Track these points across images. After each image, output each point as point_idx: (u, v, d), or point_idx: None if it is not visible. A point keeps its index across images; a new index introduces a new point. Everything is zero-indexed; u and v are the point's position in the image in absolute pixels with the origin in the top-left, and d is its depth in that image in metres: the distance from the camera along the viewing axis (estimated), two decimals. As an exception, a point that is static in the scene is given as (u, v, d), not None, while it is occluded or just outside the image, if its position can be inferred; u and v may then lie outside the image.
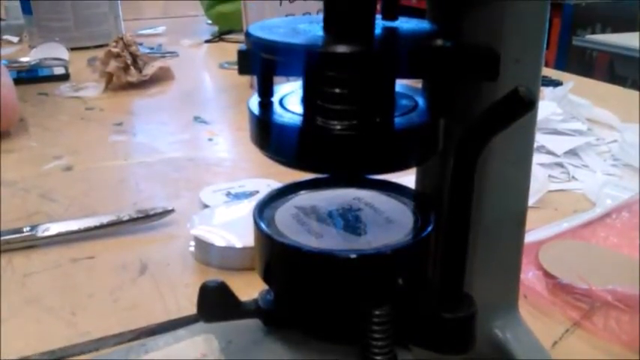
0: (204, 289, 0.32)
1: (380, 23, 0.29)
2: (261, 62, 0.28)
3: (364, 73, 0.27)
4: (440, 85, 0.29)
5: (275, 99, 0.30)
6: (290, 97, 0.30)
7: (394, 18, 0.30)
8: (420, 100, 0.30)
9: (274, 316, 0.33)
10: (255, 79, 0.30)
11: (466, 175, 0.28)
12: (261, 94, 0.29)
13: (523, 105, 0.25)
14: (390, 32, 0.29)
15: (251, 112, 0.29)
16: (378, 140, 0.27)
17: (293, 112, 0.28)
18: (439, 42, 0.27)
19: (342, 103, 0.27)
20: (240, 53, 0.29)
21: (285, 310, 0.33)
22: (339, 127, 0.27)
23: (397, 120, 0.28)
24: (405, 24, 0.30)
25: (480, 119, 0.27)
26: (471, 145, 0.27)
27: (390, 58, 0.26)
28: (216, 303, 0.32)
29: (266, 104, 0.29)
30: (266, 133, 0.29)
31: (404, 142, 0.28)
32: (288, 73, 0.29)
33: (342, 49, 0.25)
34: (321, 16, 0.29)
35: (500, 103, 0.26)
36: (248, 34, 0.28)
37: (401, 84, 0.31)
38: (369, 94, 0.28)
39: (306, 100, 0.29)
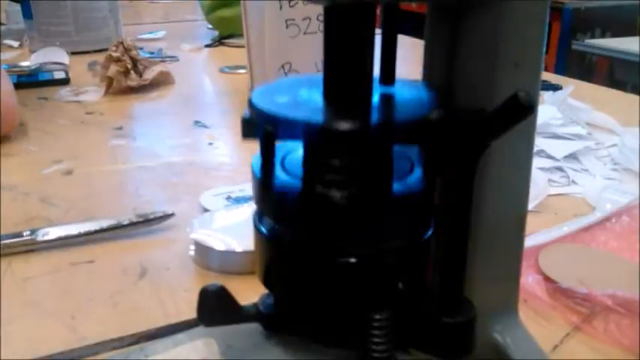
0: (204, 293, 0.32)
1: (377, 89, 0.31)
2: (264, 129, 0.29)
3: (362, 147, 0.28)
4: (435, 154, 0.30)
5: (278, 157, 0.31)
6: (292, 156, 0.31)
7: (392, 83, 0.32)
8: (415, 160, 0.31)
9: (274, 320, 0.33)
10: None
11: (466, 180, 0.28)
12: (263, 157, 0.30)
13: (523, 110, 0.25)
14: (387, 103, 0.30)
15: (254, 174, 0.30)
16: (375, 209, 0.28)
17: (294, 177, 0.29)
18: (435, 114, 0.28)
19: (340, 173, 0.28)
20: (244, 120, 0.30)
21: (286, 314, 0.33)
22: (338, 196, 0.28)
23: (395, 186, 0.29)
24: (402, 90, 0.31)
25: (479, 124, 0.27)
26: (471, 149, 0.27)
27: (387, 135, 0.28)
28: (216, 307, 0.32)
29: (268, 167, 0.30)
30: (267, 197, 0.30)
31: (400, 210, 0.29)
32: (289, 139, 0.30)
33: (339, 126, 0.26)
34: (321, 77, 0.30)
35: (500, 108, 0.26)
36: (251, 104, 0.29)
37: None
38: (366, 166, 0.29)
39: (306, 167, 0.30)
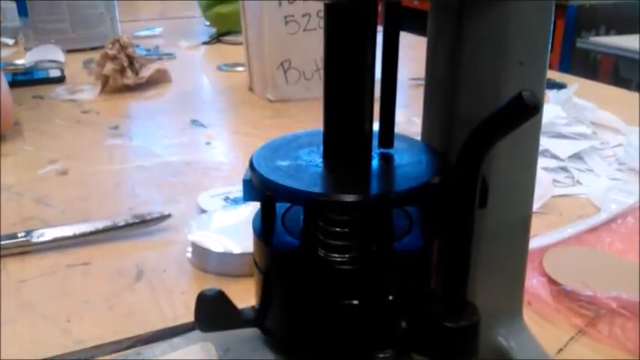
0: (201, 298, 0.31)
1: (376, 152, 0.31)
2: (264, 195, 0.29)
3: (361, 217, 0.29)
4: (433, 214, 0.30)
5: (279, 215, 0.31)
6: (292, 213, 0.32)
7: (390, 146, 0.32)
8: (414, 217, 0.31)
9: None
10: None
11: (470, 180, 0.27)
12: (263, 218, 0.31)
13: (527, 110, 0.25)
14: (386, 169, 0.31)
15: (255, 231, 0.31)
16: (377, 270, 0.29)
17: (294, 236, 0.30)
18: (434, 180, 0.29)
19: (341, 239, 0.29)
20: (245, 182, 0.30)
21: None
22: (338, 260, 0.28)
23: (395, 247, 0.29)
24: (401, 155, 0.32)
25: (484, 123, 0.26)
26: (475, 149, 0.27)
27: (387, 203, 0.29)
28: (213, 312, 0.32)
29: (268, 228, 0.31)
30: (268, 257, 0.30)
31: (402, 270, 0.29)
32: (289, 203, 0.31)
33: (340, 197, 0.27)
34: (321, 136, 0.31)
35: (505, 108, 0.25)
36: (252, 167, 0.30)
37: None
38: (366, 232, 0.29)
39: (306, 231, 0.30)
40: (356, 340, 0.29)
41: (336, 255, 0.28)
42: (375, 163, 0.31)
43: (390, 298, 0.29)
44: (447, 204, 0.28)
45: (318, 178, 0.29)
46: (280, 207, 0.32)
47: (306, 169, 0.30)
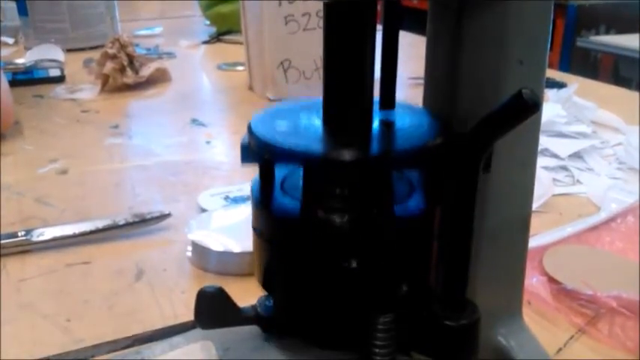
0: (201, 295, 0.31)
1: (378, 114, 0.31)
2: (262, 156, 0.29)
3: (362, 177, 0.28)
4: (435, 177, 0.30)
5: (278, 180, 0.31)
6: (292, 177, 0.31)
7: (391, 107, 0.32)
8: (416, 182, 0.31)
9: (273, 322, 0.33)
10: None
11: (470, 179, 0.27)
12: (262, 181, 0.31)
13: (527, 108, 0.25)
14: (387, 130, 0.30)
15: (253, 195, 0.30)
16: (378, 232, 0.28)
17: (293, 199, 0.29)
18: (436, 141, 0.28)
19: (341, 200, 0.29)
20: (243, 146, 0.30)
21: (285, 316, 0.32)
22: (338, 222, 0.28)
23: (395, 209, 0.29)
24: (402, 116, 0.31)
25: (483, 122, 0.26)
26: (475, 148, 0.27)
27: (387, 164, 0.28)
28: (213, 309, 0.32)
29: (267, 191, 0.30)
30: (267, 219, 0.30)
31: (403, 233, 0.29)
32: (288, 166, 0.31)
33: (339, 156, 0.27)
34: (321, 103, 0.30)
35: (505, 106, 0.26)
36: (250, 131, 0.29)
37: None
38: (367, 192, 0.29)
39: (306, 192, 0.30)
40: (356, 303, 0.29)
41: (336, 217, 0.28)
42: (375, 125, 0.30)
43: (390, 261, 0.29)
44: (449, 168, 0.28)
45: (318, 140, 0.29)
46: (278, 177, 0.31)
47: (306, 131, 0.29)
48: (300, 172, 0.30)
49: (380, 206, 0.28)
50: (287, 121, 0.30)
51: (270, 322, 0.33)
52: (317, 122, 0.30)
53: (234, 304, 0.32)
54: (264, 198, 0.30)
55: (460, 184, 0.28)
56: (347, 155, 0.27)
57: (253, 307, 0.33)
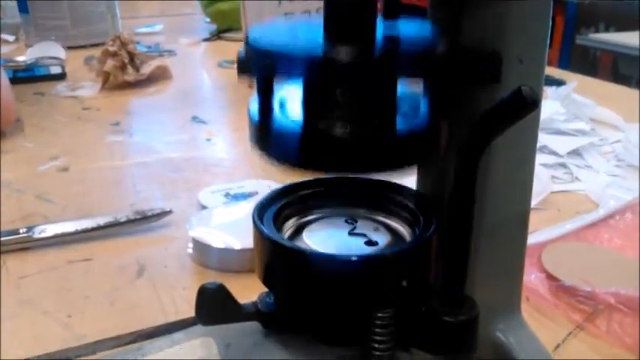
0: (202, 291, 0.31)
1: (381, 24, 0.29)
2: (260, 68, 0.27)
3: (365, 80, 0.27)
4: (441, 88, 0.29)
5: (276, 98, 0.30)
6: (290, 98, 0.30)
7: (395, 17, 0.30)
8: (422, 101, 0.30)
9: (274, 319, 0.33)
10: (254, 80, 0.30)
11: (469, 175, 0.28)
12: (260, 98, 0.29)
13: (526, 105, 0.25)
14: (390, 35, 0.29)
15: (251, 116, 0.29)
16: (380, 143, 0.27)
17: (293, 115, 0.28)
18: (441, 46, 0.27)
19: (343, 108, 0.27)
20: (240, 59, 0.28)
21: (286, 312, 0.32)
22: (340, 132, 0.27)
23: (398, 122, 0.28)
24: (406, 25, 0.30)
25: (483, 119, 0.27)
26: (474, 145, 0.27)
27: (390, 66, 0.26)
28: (214, 306, 0.32)
29: (266, 108, 0.29)
30: (267, 137, 0.28)
31: (405, 145, 0.28)
32: (288, 77, 0.29)
33: (341, 58, 0.25)
34: (320, 16, 0.28)
35: (504, 103, 0.26)
36: (247, 40, 0.28)
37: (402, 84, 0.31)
38: (370, 100, 0.27)
39: (307, 105, 0.29)
40: (355, 299, 0.29)
41: (338, 127, 0.27)
42: (379, 32, 0.28)
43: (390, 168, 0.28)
44: (453, 80, 0.27)
45: (319, 45, 0.27)
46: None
47: (305, 39, 0.28)
48: (299, 91, 0.29)
49: (381, 117, 0.28)
50: (285, 31, 0.29)
51: (271, 319, 0.33)
52: (317, 32, 0.28)
53: (234, 301, 0.32)
54: (263, 114, 0.29)
55: (459, 180, 0.28)
56: (348, 56, 0.25)
57: (254, 303, 0.33)
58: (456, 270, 0.29)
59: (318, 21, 0.29)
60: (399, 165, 0.28)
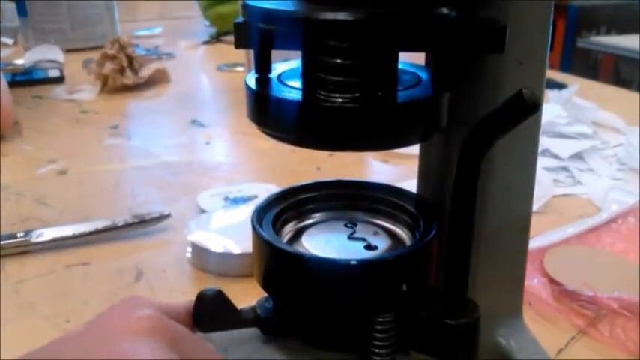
0: (201, 298, 0.31)
1: None
2: (259, 34, 0.27)
3: (365, 41, 0.26)
4: (444, 57, 0.28)
5: (273, 75, 0.29)
6: (288, 73, 0.29)
7: None
8: (424, 75, 0.29)
9: (273, 324, 0.33)
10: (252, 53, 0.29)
11: (470, 178, 0.27)
12: (258, 69, 0.28)
13: (527, 108, 0.25)
14: (390, 4, 0.28)
15: (248, 87, 0.28)
16: (381, 113, 0.26)
17: (292, 87, 0.28)
18: (443, 11, 0.26)
19: (343, 74, 0.26)
20: (237, 25, 0.28)
21: (285, 317, 0.32)
22: (340, 100, 0.26)
23: (400, 93, 0.27)
24: None
25: (483, 121, 0.26)
26: (475, 148, 0.27)
27: (392, 26, 0.25)
28: (213, 312, 0.32)
29: (264, 79, 0.28)
30: (264, 108, 0.28)
31: (407, 116, 0.27)
32: (287, 44, 0.28)
33: (342, 16, 0.24)
34: None
35: (505, 106, 0.25)
36: (245, 5, 0.27)
37: (404, 61, 0.30)
38: (371, 65, 0.27)
39: (306, 73, 0.28)
40: (355, 303, 0.29)
41: (337, 95, 0.26)
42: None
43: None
44: (458, 48, 0.26)
45: (317, 10, 0.26)
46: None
47: (305, 5, 0.27)
48: (298, 64, 0.29)
49: (383, 87, 0.27)
50: (282, 3, 0.28)
51: (270, 324, 0.33)
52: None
53: (233, 307, 0.32)
54: (261, 84, 0.28)
55: (460, 183, 0.27)
56: (350, 15, 0.25)
57: (253, 308, 0.33)
58: (457, 273, 0.29)
59: None
60: (399, 138, 0.27)
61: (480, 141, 0.27)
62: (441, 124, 0.28)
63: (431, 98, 0.27)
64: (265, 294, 0.32)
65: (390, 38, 0.26)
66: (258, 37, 0.27)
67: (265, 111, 0.28)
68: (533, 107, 0.25)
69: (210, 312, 0.31)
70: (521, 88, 0.25)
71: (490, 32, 0.26)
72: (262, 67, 0.28)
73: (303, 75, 0.28)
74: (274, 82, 0.28)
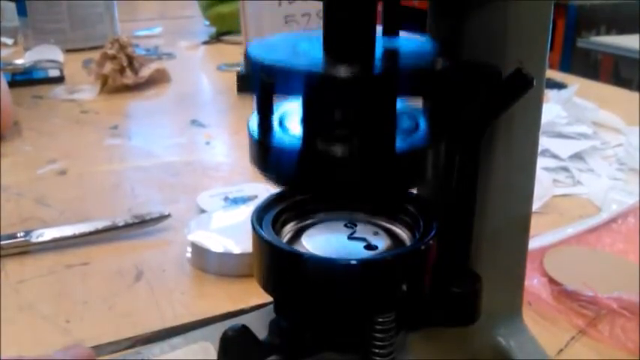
0: (225, 338, 0.30)
1: (381, 41, 0.29)
2: (261, 83, 0.27)
3: (364, 97, 0.26)
4: (441, 105, 0.29)
5: (275, 116, 0.30)
6: (290, 115, 0.30)
7: (395, 34, 0.30)
8: (421, 120, 0.30)
9: (300, 347, 0.32)
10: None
11: (471, 155, 0.28)
12: (260, 115, 0.29)
13: (525, 82, 0.26)
14: (390, 53, 0.29)
15: (251, 134, 0.29)
16: (380, 165, 0.27)
17: (293, 135, 0.28)
18: (440, 63, 0.27)
19: (342, 127, 0.27)
20: (240, 76, 0.28)
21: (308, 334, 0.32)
22: (339, 152, 0.26)
23: (399, 143, 0.28)
24: (406, 42, 0.30)
25: (483, 98, 0.27)
26: (476, 124, 0.27)
27: (390, 82, 0.26)
28: (238, 350, 0.30)
29: (266, 125, 0.29)
30: (266, 156, 0.28)
31: (405, 166, 0.28)
32: (288, 94, 0.29)
33: (341, 73, 0.25)
34: (320, 33, 0.28)
35: (504, 82, 0.26)
36: (247, 55, 0.28)
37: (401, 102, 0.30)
38: (369, 118, 0.27)
39: (306, 123, 0.28)
40: (355, 303, 0.29)
41: (336, 146, 0.26)
42: (378, 51, 0.28)
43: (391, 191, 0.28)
44: (454, 97, 0.27)
45: (318, 62, 0.27)
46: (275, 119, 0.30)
47: (305, 56, 0.28)
48: (299, 108, 0.29)
49: (380, 137, 0.27)
50: (285, 47, 0.29)
51: (298, 348, 0.32)
52: (317, 48, 0.28)
53: (257, 340, 0.31)
54: (262, 131, 0.28)
55: (462, 160, 0.28)
56: (349, 72, 0.25)
57: (271, 334, 0.32)
58: (460, 244, 0.30)
59: (318, 37, 0.29)
60: (398, 186, 0.28)
61: (481, 117, 0.27)
62: (438, 170, 0.29)
63: (429, 147, 0.28)
64: (274, 315, 0.32)
65: (388, 94, 0.27)
66: (259, 86, 0.27)
67: (267, 159, 0.29)
68: (531, 82, 0.26)
69: (235, 351, 0.30)
70: (519, 65, 0.26)
71: (486, 79, 0.27)
72: (264, 112, 0.29)
73: (303, 124, 0.28)
74: (275, 129, 0.29)
